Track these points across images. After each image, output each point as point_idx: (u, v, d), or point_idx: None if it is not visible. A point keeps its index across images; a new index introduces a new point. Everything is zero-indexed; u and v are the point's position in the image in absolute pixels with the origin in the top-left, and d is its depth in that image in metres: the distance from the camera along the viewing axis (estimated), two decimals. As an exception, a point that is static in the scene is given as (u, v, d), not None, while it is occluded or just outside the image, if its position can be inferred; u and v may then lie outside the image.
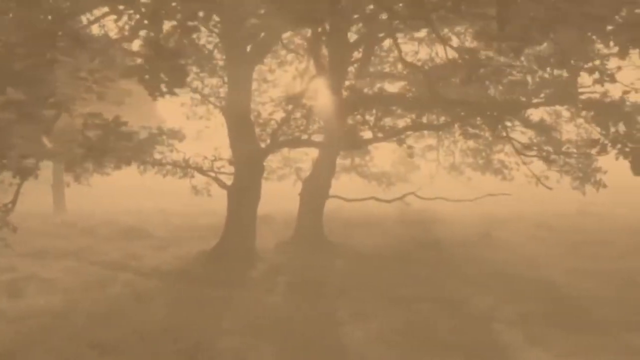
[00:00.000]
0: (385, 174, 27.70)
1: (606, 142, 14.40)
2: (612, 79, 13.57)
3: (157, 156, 18.08)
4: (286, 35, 21.05)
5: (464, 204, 25.83)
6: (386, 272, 15.43)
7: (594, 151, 15.67)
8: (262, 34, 15.93)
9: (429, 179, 26.86)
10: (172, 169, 18.39)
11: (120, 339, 9.41)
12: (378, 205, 24.78)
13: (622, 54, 9.14)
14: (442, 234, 22.28)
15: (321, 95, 17.03)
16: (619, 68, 13.83)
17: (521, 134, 19.92)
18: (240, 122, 16.76)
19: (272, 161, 26.93)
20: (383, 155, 28.79)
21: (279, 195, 28.77)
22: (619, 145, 13.92)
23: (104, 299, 12.46)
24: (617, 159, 14.15)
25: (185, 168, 18.15)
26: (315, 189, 19.61)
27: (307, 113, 16.34)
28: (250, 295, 13.04)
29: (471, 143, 23.83)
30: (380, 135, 16.32)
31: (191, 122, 24.33)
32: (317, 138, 19.27)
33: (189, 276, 15.02)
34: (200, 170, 17.76)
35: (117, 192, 37.42)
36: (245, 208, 17.05)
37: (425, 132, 24.87)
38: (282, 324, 10.66)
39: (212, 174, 17.65)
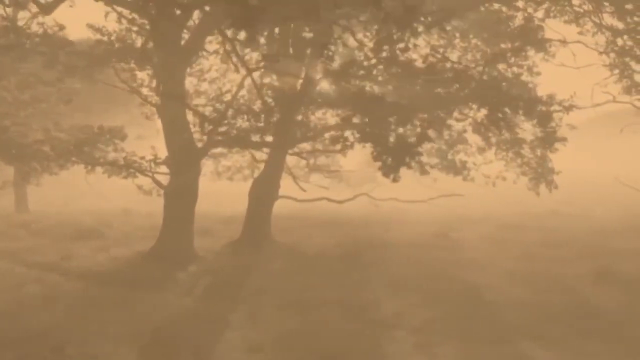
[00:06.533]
0: (354, 174, 27.33)
1: (354, 137, 13.67)
2: None
3: (97, 155, 17.81)
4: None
5: (436, 205, 25.50)
6: (316, 274, 15.09)
7: (337, 148, 14.94)
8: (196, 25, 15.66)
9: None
10: (114, 168, 18.09)
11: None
12: (346, 206, 24.50)
13: None
14: (400, 234, 21.82)
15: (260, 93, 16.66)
16: None
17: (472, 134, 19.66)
18: (174, 121, 16.48)
19: (238, 161, 26.69)
20: (353, 154, 28.36)
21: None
22: (369, 143, 13.17)
23: (6, 301, 12.25)
24: (374, 160, 13.51)
25: (127, 168, 17.83)
26: (264, 189, 19.30)
27: (238, 112, 15.99)
28: (161, 298, 12.79)
29: (434, 142, 23.36)
30: (310, 134, 15.95)
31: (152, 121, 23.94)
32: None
33: (115, 278, 14.79)
34: (139, 169, 17.47)
35: (96, 192, 37.25)
36: (181, 209, 16.77)
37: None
38: (170, 329, 10.40)
39: (149, 174, 17.36)
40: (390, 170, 12.81)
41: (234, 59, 14.59)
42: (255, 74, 19.83)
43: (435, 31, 14.79)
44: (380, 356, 9.50)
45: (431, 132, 14.91)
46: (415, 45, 12.55)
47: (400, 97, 14.60)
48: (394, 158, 12.54)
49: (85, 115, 27.68)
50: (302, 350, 9.45)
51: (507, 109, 14.35)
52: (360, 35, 13.65)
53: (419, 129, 14.50)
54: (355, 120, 13.91)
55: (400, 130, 13.95)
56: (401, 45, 11.29)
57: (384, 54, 11.56)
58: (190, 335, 9.84)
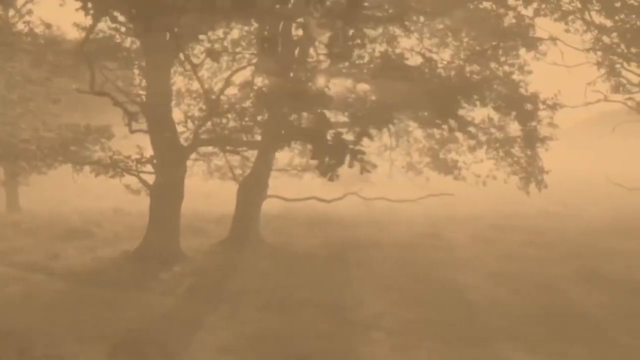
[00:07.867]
0: (345, 173, 27.09)
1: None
2: None
3: (84, 154, 17.72)
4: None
5: (428, 204, 25.34)
6: (301, 275, 14.97)
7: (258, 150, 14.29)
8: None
9: (385, 178, 26.24)
10: (102, 168, 17.98)
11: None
12: (337, 205, 24.35)
13: None
14: (389, 234, 21.67)
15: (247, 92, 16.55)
16: None
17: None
18: (159, 119, 16.36)
19: (231, 160, 26.55)
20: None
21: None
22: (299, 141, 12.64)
23: (-16, 301, 12.16)
24: (312, 158, 13.12)
25: (113, 167, 17.71)
26: (253, 188, 19.19)
27: (224, 110, 15.86)
28: (142, 298, 12.67)
29: (425, 141, 23.37)
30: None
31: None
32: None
33: (98, 278, 14.65)
34: (125, 168, 17.37)
35: (89, 192, 37.22)
36: (167, 208, 16.64)
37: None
38: (144, 329, 10.25)
39: (135, 173, 17.25)
40: (327, 170, 12.31)
41: (180, 55, 14.45)
42: (248, 71, 19.86)
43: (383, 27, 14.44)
44: (355, 357, 9.38)
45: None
46: (372, 42, 12.32)
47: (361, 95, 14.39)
48: (332, 157, 11.99)
49: (83, 115, 27.57)
50: (275, 351, 9.34)
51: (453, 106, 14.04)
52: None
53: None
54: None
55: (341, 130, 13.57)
56: (357, 41, 11.00)
57: (335, 50, 11.12)
58: (163, 336, 9.72)
